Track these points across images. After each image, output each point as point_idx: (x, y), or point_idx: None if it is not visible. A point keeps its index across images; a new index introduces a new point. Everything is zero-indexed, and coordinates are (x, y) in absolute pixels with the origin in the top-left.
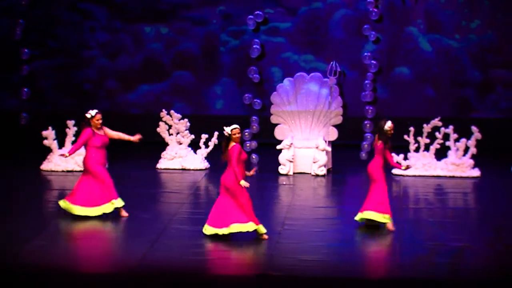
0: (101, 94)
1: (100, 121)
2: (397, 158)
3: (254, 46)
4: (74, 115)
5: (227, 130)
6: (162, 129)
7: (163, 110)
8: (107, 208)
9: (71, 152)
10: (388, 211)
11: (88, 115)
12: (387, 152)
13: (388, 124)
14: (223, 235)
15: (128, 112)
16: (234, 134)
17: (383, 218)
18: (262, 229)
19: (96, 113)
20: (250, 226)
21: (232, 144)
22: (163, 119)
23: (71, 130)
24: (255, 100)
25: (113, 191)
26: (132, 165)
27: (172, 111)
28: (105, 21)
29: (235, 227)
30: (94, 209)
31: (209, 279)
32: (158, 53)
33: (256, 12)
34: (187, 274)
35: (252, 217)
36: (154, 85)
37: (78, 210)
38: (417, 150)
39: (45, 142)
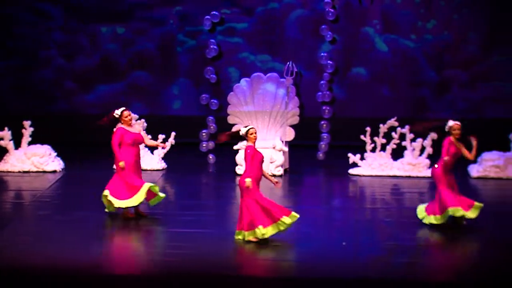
0: (58, 94)
1: (129, 117)
2: (353, 158)
3: (211, 46)
4: (30, 116)
5: (243, 131)
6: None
7: None
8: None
9: (119, 154)
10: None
11: (115, 115)
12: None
13: (449, 124)
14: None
15: (85, 112)
16: (251, 134)
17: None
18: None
19: (123, 110)
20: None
21: (248, 144)
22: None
23: (27, 131)
24: (212, 100)
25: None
26: (89, 165)
27: (118, 112)
28: (62, 21)
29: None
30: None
31: (168, 279)
32: (115, 53)
33: (212, 13)
34: (145, 275)
35: (275, 216)
36: (111, 85)
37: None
38: (373, 150)
39: (1, 142)
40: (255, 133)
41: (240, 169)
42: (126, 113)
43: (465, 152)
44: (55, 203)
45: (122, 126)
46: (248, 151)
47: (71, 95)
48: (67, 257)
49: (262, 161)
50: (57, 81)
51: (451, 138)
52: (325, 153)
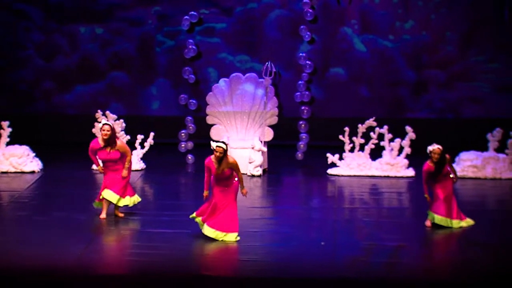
0: (37, 95)
1: (105, 133)
2: (332, 158)
3: (190, 47)
4: (9, 116)
5: (213, 144)
6: (97, 130)
7: (99, 110)
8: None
9: (96, 161)
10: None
11: (99, 124)
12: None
13: (429, 148)
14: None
15: (64, 112)
16: (216, 152)
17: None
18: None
19: (103, 124)
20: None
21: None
22: (99, 119)
23: (5, 131)
24: (190, 100)
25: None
26: (67, 166)
27: (107, 112)
28: (40, 21)
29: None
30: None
31: (145, 280)
32: (94, 53)
33: (190, 13)
34: (123, 275)
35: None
36: (89, 85)
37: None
38: (352, 150)
39: None
40: (219, 152)
41: None
42: (104, 127)
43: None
44: (33, 203)
45: (98, 140)
46: (206, 161)
47: (49, 95)
48: (46, 258)
49: (218, 176)
50: (35, 82)
51: (429, 163)
52: (303, 153)
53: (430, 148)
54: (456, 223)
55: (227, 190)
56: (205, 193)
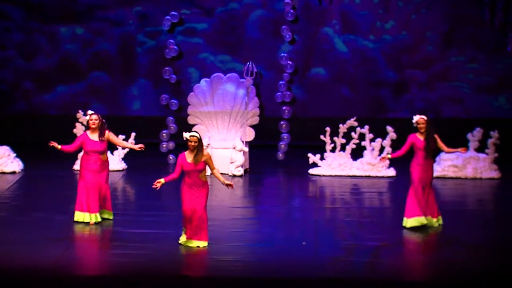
0: (18, 95)
1: (93, 122)
2: (313, 158)
3: (171, 47)
4: None
5: (186, 135)
6: (78, 130)
7: (80, 110)
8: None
9: (64, 148)
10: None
11: (86, 117)
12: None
13: (414, 119)
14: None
15: (45, 113)
16: (190, 142)
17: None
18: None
19: (91, 114)
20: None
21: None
22: (80, 120)
23: None
24: (172, 100)
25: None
26: (48, 166)
27: (88, 112)
28: (20, 21)
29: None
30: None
31: (127, 280)
32: (75, 53)
33: (171, 13)
34: (104, 276)
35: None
36: (70, 85)
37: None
38: (333, 150)
39: None
40: (194, 142)
41: None
42: (92, 117)
43: (440, 144)
44: (14, 204)
45: (87, 132)
46: (179, 157)
47: (30, 95)
48: (26, 259)
49: (193, 170)
50: (16, 82)
51: (417, 135)
52: (285, 153)
53: (413, 121)
54: (433, 221)
55: (198, 195)
56: (161, 180)
